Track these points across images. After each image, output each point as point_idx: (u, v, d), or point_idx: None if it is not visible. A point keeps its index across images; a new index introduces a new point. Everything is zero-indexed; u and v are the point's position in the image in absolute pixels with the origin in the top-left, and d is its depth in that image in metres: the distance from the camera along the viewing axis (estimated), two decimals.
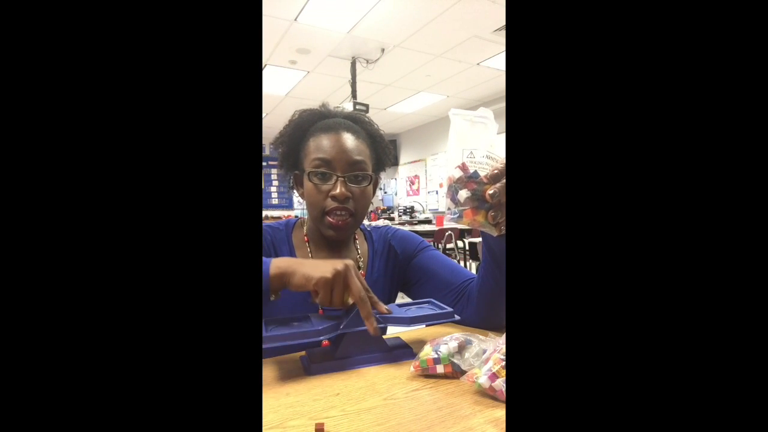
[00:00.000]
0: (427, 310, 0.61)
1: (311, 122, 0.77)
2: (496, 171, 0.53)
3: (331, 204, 0.71)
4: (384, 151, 0.80)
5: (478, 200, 0.52)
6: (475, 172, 0.53)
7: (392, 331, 0.70)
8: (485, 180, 0.52)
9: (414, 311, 0.61)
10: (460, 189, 0.53)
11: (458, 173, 0.53)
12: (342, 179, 0.71)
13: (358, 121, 0.78)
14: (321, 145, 0.72)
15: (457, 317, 0.58)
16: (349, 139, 0.72)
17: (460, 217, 0.53)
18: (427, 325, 0.65)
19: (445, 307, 0.60)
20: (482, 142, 0.55)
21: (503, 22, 3.31)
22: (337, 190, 0.70)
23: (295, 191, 0.81)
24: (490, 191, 0.51)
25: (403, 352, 0.57)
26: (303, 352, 0.59)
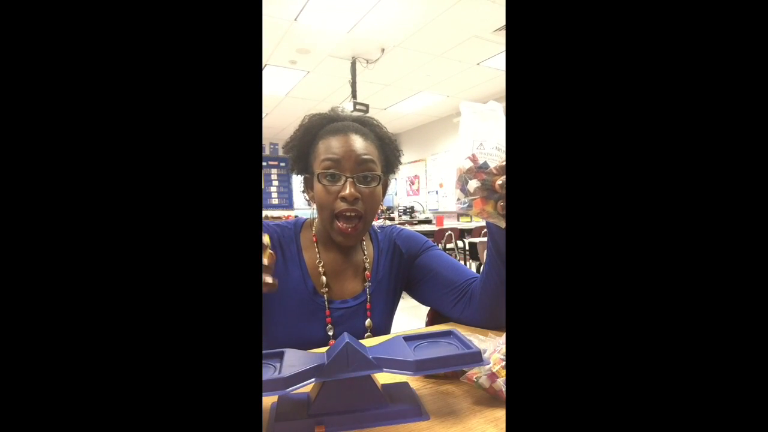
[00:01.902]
0: (444, 346, 0.45)
1: (321, 126, 0.78)
2: (505, 162, 0.53)
3: (340, 206, 0.71)
4: (393, 153, 0.81)
5: (487, 190, 0.53)
6: (485, 162, 0.54)
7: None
8: (495, 171, 0.53)
9: (425, 349, 0.44)
10: (470, 179, 0.54)
11: (468, 164, 0.54)
12: (351, 180, 0.71)
13: (366, 124, 0.79)
14: (330, 146, 0.73)
15: (485, 361, 0.42)
16: (357, 141, 0.73)
17: (470, 206, 0.54)
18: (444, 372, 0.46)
19: (471, 345, 0.43)
20: (492, 134, 0.56)
21: (503, 22, 3.31)
22: (347, 191, 0.70)
23: (305, 194, 0.82)
24: (500, 181, 0.52)
25: (409, 409, 0.42)
26: (275, 398, 0.45)
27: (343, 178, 0.72)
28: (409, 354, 0.41)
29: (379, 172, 0.75)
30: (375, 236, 0.87)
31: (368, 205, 0.73)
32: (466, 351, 0.42)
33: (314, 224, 0.83)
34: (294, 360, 0.42)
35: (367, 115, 0.83)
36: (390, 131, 0.82)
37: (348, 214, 0.72)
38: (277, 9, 3.07)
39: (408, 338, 0.46)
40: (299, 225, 0.84)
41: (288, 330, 0.73)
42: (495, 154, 0.55)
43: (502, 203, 0.53)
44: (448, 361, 0.41)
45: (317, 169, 0.73)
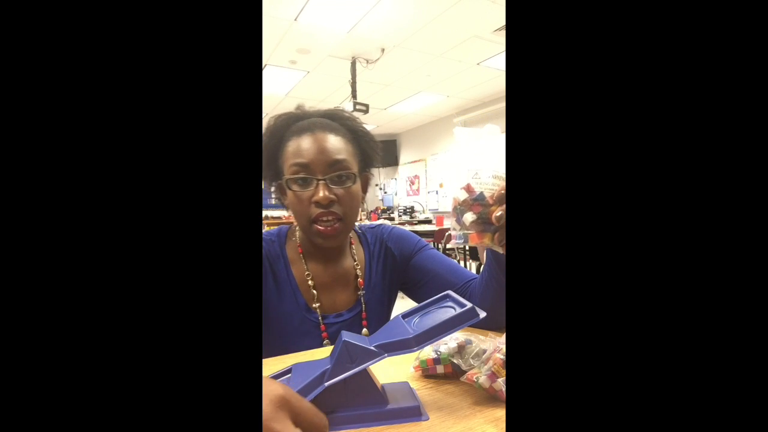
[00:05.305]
0: (441, 312, 0.44)
1: (286, 126, 0.72)
2: (502, 191, 0.50)
3: (315, 211, 0.67)
4: (369, 146, 0.75)
5: (483, 223, 0.51)
6: (481, 193, 0.51)
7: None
8: (491, 201, 0.50)
9: (423, 321, 0.44)
10: (465, 212, 0.51)
11: (463, 195, 0.51)
12: (323, 182, 0.66)
13: (336, 118, 0.73)
14: (297, 149, 0.67)
15: (482, 314, 0.42)
16: (326, 139, 0.68)
17: (466, 240, 0.52)
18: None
19: (466, 303, 0.43)
20: (488, 162, 0.52)
21: (503, 22, 3.31)
22: (320, 194, 0.65)
23: (280, 201, 0.76)
24: (497, 214, 0.49)
25: (407, 409, 0.42)
26: None
27: (315, 182, 0.66)
28: (407, 332, 0.41)
29: (354, 169, 0.70)
30: (364, 239, 0.83)
31: (346, 206, 0.68)
32: (461, 311, 0.41)
33: (297, 233, 0.78)
34: (301, 373, 0.42)
35: (337, 108, 0.77)
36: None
37: (325, 218, 0.67)
38: (277, 9, 3.07)
39: (406, 315, 0.46)
40: (283, 236, 0.78)
41: (284, 351, 0.68)
42: (492, 183, 0.52)
43: (499, 235, 0.50)
44: (444, 326, 0.41)
45: (286, 174, 0.68)
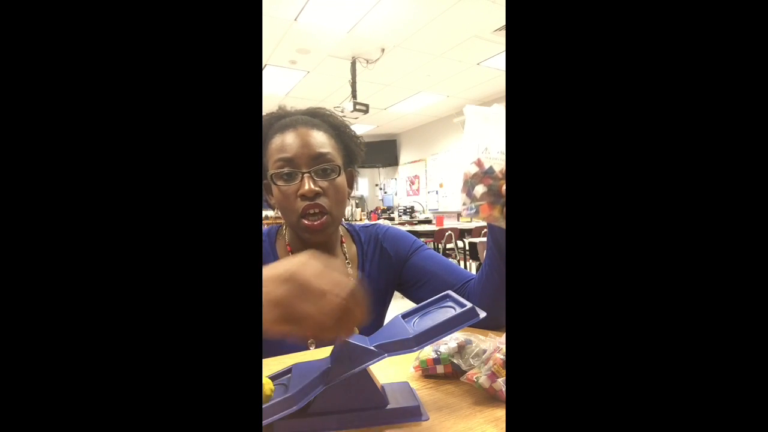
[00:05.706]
0: (441, 312, 0.44)
1: (269, 126, 0.73)
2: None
3: (302, 204, 0.67)
4: (352, 141, 0.76)
5: (494, 195, 0.53)
6: (491, 167, 0.54)
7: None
8: (500, 175, 0.53)
9: (423, 321, 0.44)
10: (476, 184, 0.54)
11: (474, 169, 0.54)
12: (308, 175, 0.67)
13: (317, 115, 0.75)
14: (281, 144, 0.69)
15: (482, 314, 0.42)
16: (308, 134, 0.69)
17: (477, 212, 0.54)
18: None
19: (466, 303, 0.43)
20: (497, 138, 0.55)
21: (503, 22, 3.31)
22: (305, 187, 0.66)
23: (267, 201, 0.76)
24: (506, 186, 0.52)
25: (407, 409, 0.42)
26: None
27: (300, 175, 0.67)
28: (407, 332, 0.41)
29: (338, 162, 0.70)
30: (357, 238, 0.82)
31: (332, 199, 0.69)
32: (461, 311, 0.41)
33: (286, 232, 0.78)
34: (301, 373, 0.43)
35: (318, 107, 0.78)
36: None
37: (312, 211, 0.67)
38: (277, 9, 3.07)
39: (406, 315, 0.47)
40: (273, 235, 0.79)
41: (274, 350, 0.65)
42: (501, 158, 0.55)
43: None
44: (444, 326, 0.41)
45: (271, 170, 0.69)
